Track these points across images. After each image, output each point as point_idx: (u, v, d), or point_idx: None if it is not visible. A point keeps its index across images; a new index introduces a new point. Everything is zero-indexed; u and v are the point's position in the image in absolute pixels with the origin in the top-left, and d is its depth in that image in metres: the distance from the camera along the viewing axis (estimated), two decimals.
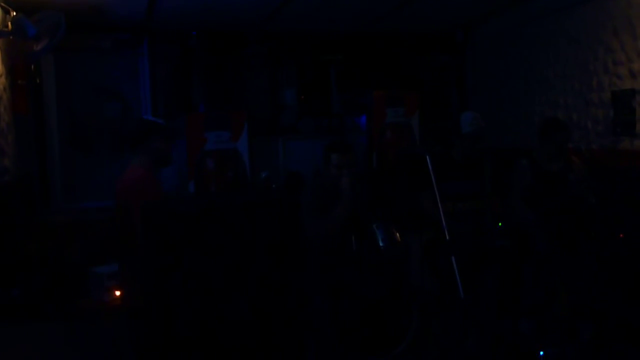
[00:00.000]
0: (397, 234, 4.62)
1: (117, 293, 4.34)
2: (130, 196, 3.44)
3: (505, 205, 4.83)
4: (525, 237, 4.53)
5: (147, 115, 6.86)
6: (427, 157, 4.10)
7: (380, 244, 4.53)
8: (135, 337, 3.23)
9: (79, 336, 2.84)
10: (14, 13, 5.03)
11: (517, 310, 4.42)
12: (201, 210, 2.43)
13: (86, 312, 4.17)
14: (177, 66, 7.18)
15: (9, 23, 4.98)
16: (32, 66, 5.94)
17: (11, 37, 4.93)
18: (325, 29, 7.52)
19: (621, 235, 4.56)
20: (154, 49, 7.04)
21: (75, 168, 6.71)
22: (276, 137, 7.45)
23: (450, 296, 4.04)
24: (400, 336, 4.38)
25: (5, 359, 2.51)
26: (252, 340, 2.58)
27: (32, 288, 4.36)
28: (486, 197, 4.70)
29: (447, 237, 3.96)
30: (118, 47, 6.83)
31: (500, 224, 4.55)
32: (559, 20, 6.41)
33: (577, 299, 4.43)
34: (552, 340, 4.28)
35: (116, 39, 6.80)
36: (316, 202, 4.41)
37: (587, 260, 4.49)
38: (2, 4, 5.00)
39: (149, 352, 2.96)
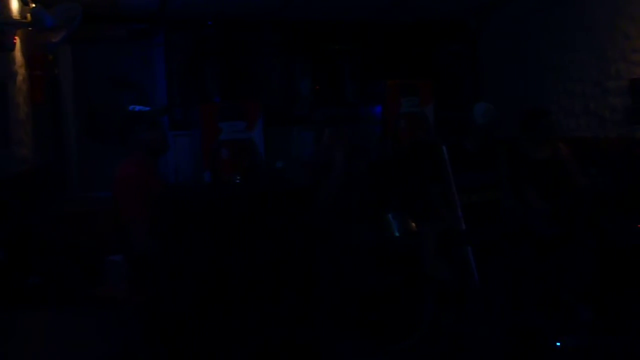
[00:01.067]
0: (413, 224, 4.62)
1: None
2: (120, 193, 3.40)
3: (519, 196, 4.81)
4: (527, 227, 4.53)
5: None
6: (444, 147, 4.10)
7: (396, 234, 4.54)
8: (144, 328, 3.27)
9: (94, 322, 2.87)
10: (33, 5, 5.08)
11: (528, 301, 4.41)
12: (218, 198, 2.44)
13: (102, 300, 4.20)
14: (192, 56, 7.20)
15: (28, 15, 5.02)
16: (50, 57, 5.98)
17: (29, 29, 4.97)
18: (339, 18, 7.50)
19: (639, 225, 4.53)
20: (169, 39, 7.07)
21: (91, 157, 6.76)
22: (291, 127, 7.46)
23: (466, 286, 4.04)
24: (415, 325, 4.39)
25: (21, 343, 2.54)
26: (262, 328, 2.60)
27: (49, 275, 4.40)
28: (501, 188, 4.67)
29: (463, 227, 3.97)
30: (134, 37, 6.86)
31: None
32: (575, 6, 6.33)
33: (578, 283, 4.42)
34: (565, 329, 4.27)
35: (132, 29, 6.83)
36: (311, 179, 4.38)
37: (587, 245, 4.48)
38: None
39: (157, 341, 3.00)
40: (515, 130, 4.94)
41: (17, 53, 4.93)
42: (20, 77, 5.03)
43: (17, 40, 4.81)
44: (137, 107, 3.79)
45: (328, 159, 4.39)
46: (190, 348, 2.51)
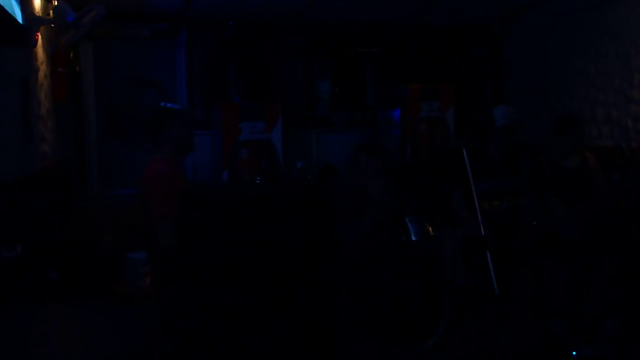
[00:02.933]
0: (430, 229, 4.59)
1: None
2: (149, 190, 3.43)
3: (541, 203, 4.76)
4: (553, 235, 4.48)
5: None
6: (464, 152, 4.06)
7: (413, 238, 4.52)
8: (164, 323, 3.28)
9: (112, 317, 2.87)
10: (56, 2, 5.11)
11: (550, 309, 4.37)
12: (245, 198, 2.45)
13: (121, 296, 4.23)
14: (214, 56, 7.22)
15: (51, 11, 5.06)
16: (72, 54, 6.03)
17: (52, 25, 5.01)
18: (361, 21, 7.50)
19: None
20: (191, 39, 7.09)
21: (111, 155, 6.80)
22: (310, 129, 7.45)
23: (485, 292, 4.01)
24: (432, 331, 4.37)
25: (39, 338, 2.55)
26: (282, 330, 2.59)
27: (68, 271, 4.43)
28: (523, 194, 4.63)
29: (483, 233, 3.94)
30: (156, 36, 6.89)
31: (534, 222, 4.50)
32: (600, 14, 6.28)
33: (604, 294, 4.37)
34: (584, 339, 4.23)
35: (154, 28, 6.87)
36: (345, 204, 4.36)
37: (613, 255, 4.43)
38: None
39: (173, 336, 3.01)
40: (544, 135, 4.88)
41: (39, 49, 4.96)
42: (42, 74, 5.06)
43: (40, 37, 4.85)
44: (169, 104, 3.83)
45: (361, 187, 4.35)
46: (211, 344, 2.51)
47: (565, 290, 4.45)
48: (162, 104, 3.77)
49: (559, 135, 4.74)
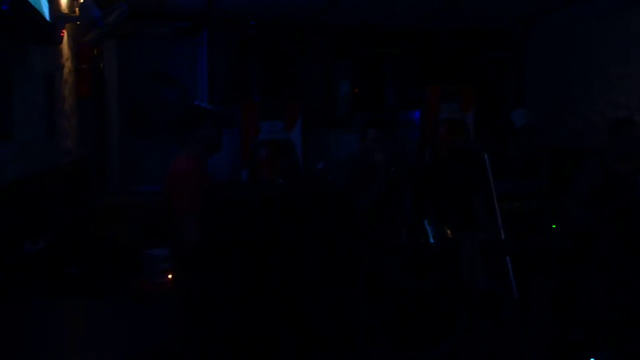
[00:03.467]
0: (449, 231, 4.59)
1: (170, 276, 4.43)
2: (175, 187, 3.46)
3: (561, 206, 4.73)
4: (586, 240, 4.42)
5: (197, 102, 6.98)
6: (485, 155, 4.05)
7: (431, 240, 4.52)
8: (185, 320, 3.30)
9: (131, 314, 2.90)
10: (81, 0, 5.17)
11: (570, 315, 4.34)
12: (266, 198, 2.46)
13: (140, 293, 4.26)
14: (235, 55, 7.25)
15: (76, 9, 5.11)
16: (95, 51, 6.08)
17: (78, 23, 5.06)
18: (382, 22, 7.49)
19: None
20: (212, 38, 7.14)
21: (132, 152, 6.86)
22: (329, 129, 7.46)
23: (504, 296, 4.00)
24: (448, 334, 4.36)
25: (58, 331, 2.58)
26: (302, 332, 2.60)
27: (88, 267, 4.47)
28: (544, 197, 4.61)
29: (503, 237, 3.92)
30: (178, 35, 6.95)
31: (554, 225, 4.47)
32: (623, 17, 6.23)
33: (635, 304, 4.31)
34: (604, 346, 4.19)
35: (176, 26, 6.92)
36: (351, 179, 4.41)
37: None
38: None
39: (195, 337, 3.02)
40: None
41: (65, 46, 5.02)
42: (66, 70, 5.12)
43: (65, 34, 4.90)
44: (202, 104, 3.86)
45: (369, 159, 4.40)
46: (232, 341, 2.52)
47: (591, 296, 4.42)
48: (195, 102, 3.80)
49: (611, 138, 4.68)
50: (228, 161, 6.83)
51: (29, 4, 3.28)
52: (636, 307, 4.32)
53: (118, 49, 6.66)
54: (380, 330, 4.22)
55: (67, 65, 5.16)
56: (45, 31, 3.88)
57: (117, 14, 4.91)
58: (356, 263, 2.49)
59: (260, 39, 7.23)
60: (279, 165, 6.57)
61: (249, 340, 2.50)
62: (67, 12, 4.92)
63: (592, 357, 4.15)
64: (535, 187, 4.57)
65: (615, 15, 6.31)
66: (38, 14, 3.51)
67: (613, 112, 6.38)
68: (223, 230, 2.58)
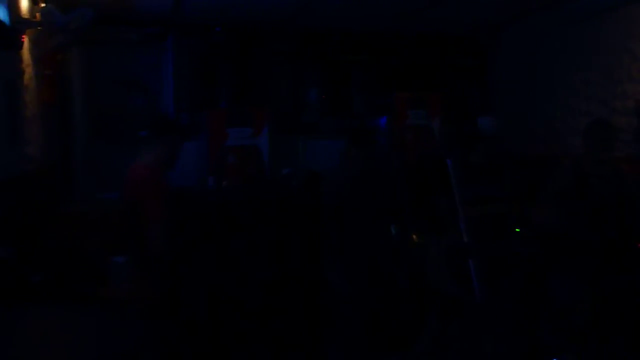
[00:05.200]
0: (415, 236, 4.63)
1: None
2: (138, 194, 3.43)
3: (525, 210, 4.78)
4: (551, 243, 4.47)
5: (170, 112, 6.95)
6: (449, 161, 4.11)
7: (398, 246, 4.55)
8: (150, 328, 3.28)
9: (96, 321, 2.88)
10: (43, 4, 5.11)
11: (536, 316, 4.40)
12: (223, 203, 2.47)
13: (106, 300, 4.21)
14: (201, 61, 7.23)
15: (37, 14, 5.05)
16: (60, 57, 6.01)
17: (39, 28, 5.00)
18: (350, 28, 7.54)
19: (639, 244, 4.51)
20: (179, 43, 7.10)
21: (99, 158, 6.78)
22: (297, 135, 7.47)
23: (469, 300, 4.05)
24: (417, 338, 4.39)
25: (23, 340, 2.55)
26: (272, 333, 2.61)
27: (53, 274, 4.42)
28: (506, 201, 4.66)
29: (466, 240, 3.97)
30: (144, 40, 6.90)
31: (517, 229, 4.52)
32: (585, 27, 6.37)
33: (607, 309, 4.36)
34: (569, 347, 4.26)
35: (142, 32, 6.87)
36: (337, 198, 4.41)
37: (620, 269, 4.42)
38: None
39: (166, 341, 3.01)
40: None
41: (26, 52, 4.95)
42: (28, 76, 5.05)
43: (25, 39, 4.84)
44: (170, 115, 3.82)
45: (351, 175, 4.39)
46: (197, 348, 2.52)
47: (557, 298, 4.47)
48: (163, 112, 3.78)
49: (584, 139, 4.64)
50: (195, 168, 6.80)
51: None
52: (600, 308, 4.40)
53: (83, 54, 6.59)
54: (349, 335, 4.24)
55: (29, 71, 5.08)
56: (5, 36, 3.83)
57: (80, 19, 4.86)
58: (321, 265, 2.52)
59: (227, 45, 7.22)
60: (246, 171, 6.56)
61: (216, 344, 2.50)
62: (27, 17, 4.86)
63: (556, 359, 4.22)
64: (499, 192, 4.61)
65: (579, 24, 6.44)
66: None
67: (575, 118, 6.51)
68: (188, 237, 2.59)
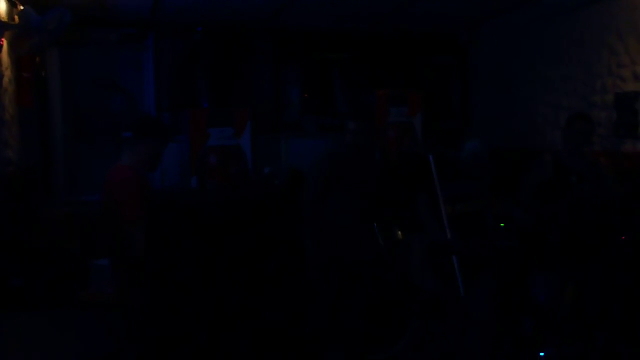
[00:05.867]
0: (399, 233, 4.63)
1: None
2: (118, 196, 3.38)
3: (503, 205, 4.79)
4: (532, 238, 4.49)
5: (151, 113, 6.91)
6: (430, 158, 4.11)
7: (381, 243, 4.56)
8: (131, 331, 3.26)
9: (78, 325, 2.85)
10: (21, 7, 5.06)
11: (519, 311, 4.42)
12: (206, 203, 2.45)
13: (87, 303, 4.18)
14: (182, 61, 7.20)
15: (15, 16, 5.00)
16: (37, 59, 5.96)
17: (17, 30, 4.95)
18: (331, 27, 7.54)
19: (623, 237, 4.54)
20: (159, 44, 7.06)
21: (78, 161, 6.72)
22: (279, 134, 7.46)
23: (452, 295, 4.06)
24: (400, 334, 4.40)
25: (4, 345, 2.52)
26: (248, 331, 2.60)
27: (33, 278, 4.38)
28: (486, 197, 4.68)
29: (448, 237, 3.98)
30: (123, 41, 6.85)
31: (502, 224, 4.54)
32: (563, 22, 6.41)
33: (589, 303, 4.39)
34: (553, 341, 4.29)
35: (122, 33, 6.82)
36: (326, 172, 4.39)
37: (599, 264, 4.44)
38: None
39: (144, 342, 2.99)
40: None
41: (4, 54, 4.90)
42: (6, 79, 5.00)
43: (4, 42, 4.79)
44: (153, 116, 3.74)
45: (349, 153, 4.40)
46: (179, 351, 2.51)
47: (539, 292, 4.49)
48: (146, 112, 3.71)
49: (563, 133, 4.67)
50: (177, 168, 6.77)
51: None
52: (583, 302, 4.43)
53: (61, 56, 6.52)
54: (332, 333, 4.24)
55: (7, 73, 5.04)
56: None
57: (58, 20, 4.81)
58: (304, 264, 2.51)
59: (208, 45, 7.19)
60: (228, 171, 6.54)
61: (196, 348, 2.49)
62: (5, 19, 4.81)
63: (540, 353, 4.24)
64: (480, 189, 4.62)
65: (558, 18, 6.48)
66: None
67: (555, 113, 6.55)
68: (170, 239, 2.57)
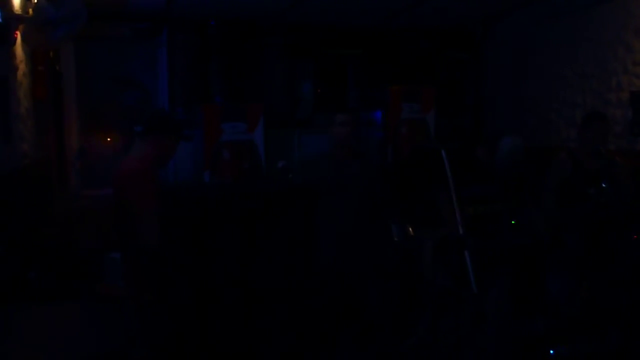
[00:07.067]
0: (410, 229, 4.61)
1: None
2: (131, 187, 3.38)
3: (535, 202, 4.74)
4: (553, 236, 4.47)
5: (165, 108, 6.93)
6: (443, 152, 4.09)
7: (395, 239, 4.54)
8: (145, 324, 3.27)
9: (92, 317, 2.87)
10: (35, 0, 5.08)
11: (531, 308, 4.40)
12: (222, 197, 2.46)
13: (101, 296, 4.21)
14: (196, 56, 7.21)
15: (30, 9, 5.02)
16: (52, 53, 5.99)
17: (31, 23, 4.97)
18: (344, 23, 7.52)
19: (635, 236, 4.52)
20: (172, 39, 7.08)
21: (92, 154, 6.76)
22: (292, 129, 7.46)
23: (464, 292, 4.04)
24: (412, 330, 4.40)
25: (19, 338, 2.54)
26: (265, 329, 2.61)
27: (48, 271, 4.40)
28: (506, 199, 4.64)
29: (461, 232, 3.95)
30: (137, 36, 6.87)
31: (513, 221, 4.52)
32: (579, 18, 6.37)
33: (605, 301, 4.37)
34: (564, 339, 4.27)
35: (136, 28, 6.85)
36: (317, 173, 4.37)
37: (616, 264, 4.42)
38: None
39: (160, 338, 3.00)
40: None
41: (18, 48, 4.92)
42: (21, 72, 5.02)
43: (18, 35, 4.81)
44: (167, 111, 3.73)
45: (338, 154, 4.36)
46: (191, 344, 2.51)
47: (552, 290, 4.47)
48: (162, 108, 3.70)
49: (580, 132, 4.68)
50: (190, 163, 6.79)
51: None
52: (596, 301, 4.41)
53: (76, 50, 6.56)
54: (345, 328, 4.24)
55: (22, 67, 5.06)
56: None
57: (73, 15, 4.83)
58: (317, 259, 2.51)
59: (221, 40, 7.20)
60: (241, 166, 6.55)
61: (206, 341, 2.50)
62: (20, 12, 4.83)
63: (552, 351, 4.23)
64: (499, 190, 4.57)
65: (573, 15, 6.44)
66: None
67: (570, 111, 6.51)
68: (182, 231, 2.58)
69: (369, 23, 7.53)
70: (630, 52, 5.70)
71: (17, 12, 4.73)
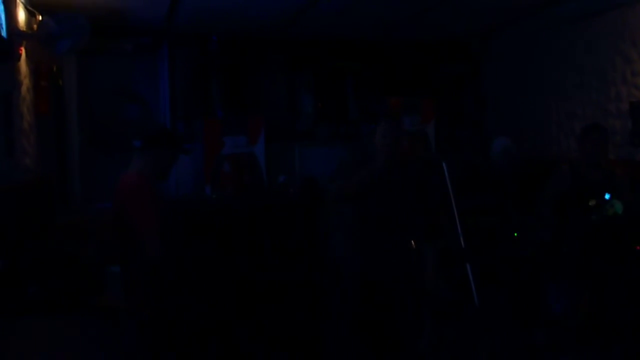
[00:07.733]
0: (412, 242, 4.62)
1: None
2: (132, 202, 3.40)
3: (532, 213, 4.76)
4: (548, 246, 4.47)
5: (166, 122, 6.96)
6: (444, 164, 4.11)
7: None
8: (147, 337, 3.27)
9: (93, 331, 2.87)
10: (40, 17, 5.12)
11: (532, 320, 4.40)
12: (221, 211, 2.47)
13: (102, 310, 4.21)
14: (197, 70, 7.25)
15: (35, 26, 5.06)
16: (55, 68, 6.03)
17: (35, 40, 5.01)
18: (344, 36, 7.57)
19: (637, 247, 4.52)
20: (173, 53, 7.12)
21: (94, 169, 6.78)
22: (293, 142, 7.49)
23: (465, 304, 4.05)
24: (413, 342, 4.38)
25: (20, 352, 2.55)
26: (270, 341, 2.62)
27: (49, 285, 4.41)
28: (507, 209, 4.65)
29: (463, 245, 3.97)
30: (139, 50, 6.92)
31: (516, 234, 4.52)
32: (577, 30, 6.40)
33: (606, 313, 4.36)
34: (567, 350, 4.26)
35: (137, 42, 6.89)
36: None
37: (618, 275, 4.42)
38: (28, 7, 5.09)
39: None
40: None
41: (22, 64, 4.96)
42: (24, 88, 5.06)
43: (23, 51, 4.85)
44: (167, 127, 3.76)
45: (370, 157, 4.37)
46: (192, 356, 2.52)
47: (553, 301, 4.47)
48: (161, 123, 3.73)
49: (579, 144, 4.69)
50: (191, 176, 6.81)
51: None
52: (598, 312, 4.41)
53: (78, 65, 6.59)
54: (347, 339, 4.23)
55: (26, 82, 5.10)
56: (2, 48, 3.84)
57: (77, 30, 4.87)
58: (318, 271, 2.52)
59: (222, 54, 7.24)
60: (242, 179, 6.57)
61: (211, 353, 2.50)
62: (24, 29, 4.87)
63: None
64: (500, 200, 4.59)
65: (571, 27, 6.47)
66: None
67: (569, 122, 6.53)
68: (184, 245, 2.59)
69: (368, 36, 7.57)
70: (628, 63, 5.72)
71: (21, 29, 4.77)
